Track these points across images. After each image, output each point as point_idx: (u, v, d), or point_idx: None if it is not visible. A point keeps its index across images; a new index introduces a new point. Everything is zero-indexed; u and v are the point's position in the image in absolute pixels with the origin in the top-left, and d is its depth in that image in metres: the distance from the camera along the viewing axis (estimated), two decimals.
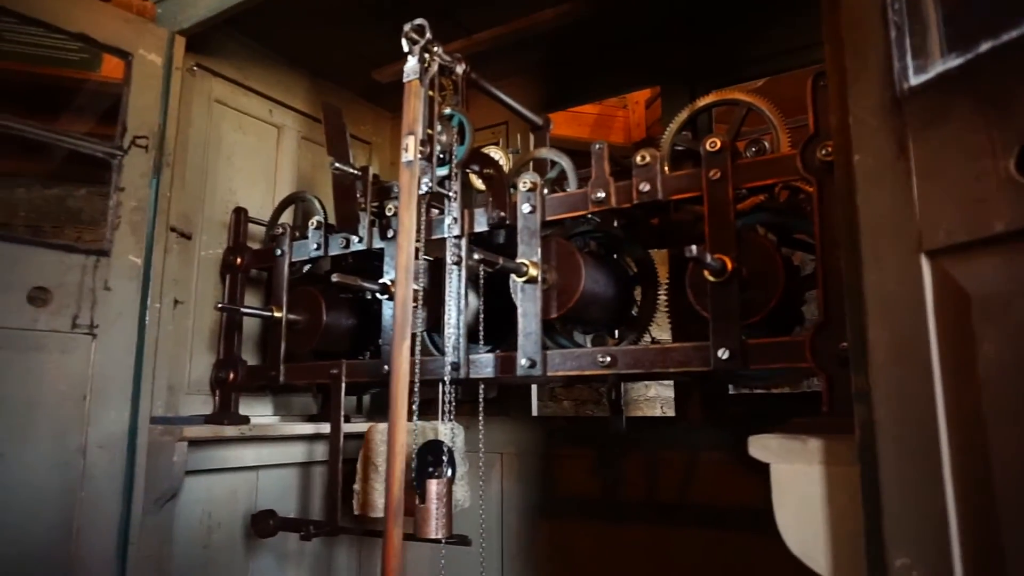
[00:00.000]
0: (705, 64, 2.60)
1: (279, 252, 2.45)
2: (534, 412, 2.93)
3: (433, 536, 1.89)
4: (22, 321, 1.98)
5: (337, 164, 2.16)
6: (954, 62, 0.89)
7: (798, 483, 1.21)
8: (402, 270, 1.68)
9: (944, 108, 0.90)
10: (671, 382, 5.37)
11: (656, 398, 5.55)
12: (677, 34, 2.67)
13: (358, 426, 2.38)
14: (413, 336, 1.74)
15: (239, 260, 2.55)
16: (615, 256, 2.19)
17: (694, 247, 1.45)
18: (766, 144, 1.95)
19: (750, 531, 2.21)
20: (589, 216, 1.99)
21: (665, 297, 2.06)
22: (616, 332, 2.21)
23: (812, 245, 1.89)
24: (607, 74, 2.91)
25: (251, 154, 2.86)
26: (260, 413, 2.73)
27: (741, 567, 2.25)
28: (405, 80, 1.84)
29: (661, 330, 2.66)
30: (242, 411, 2.52)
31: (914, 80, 0.96)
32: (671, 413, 2.99)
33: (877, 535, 1.01)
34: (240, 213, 2.62)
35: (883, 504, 1.00)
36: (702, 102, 1.95)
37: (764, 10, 2.48)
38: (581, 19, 2.57)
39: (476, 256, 1.71)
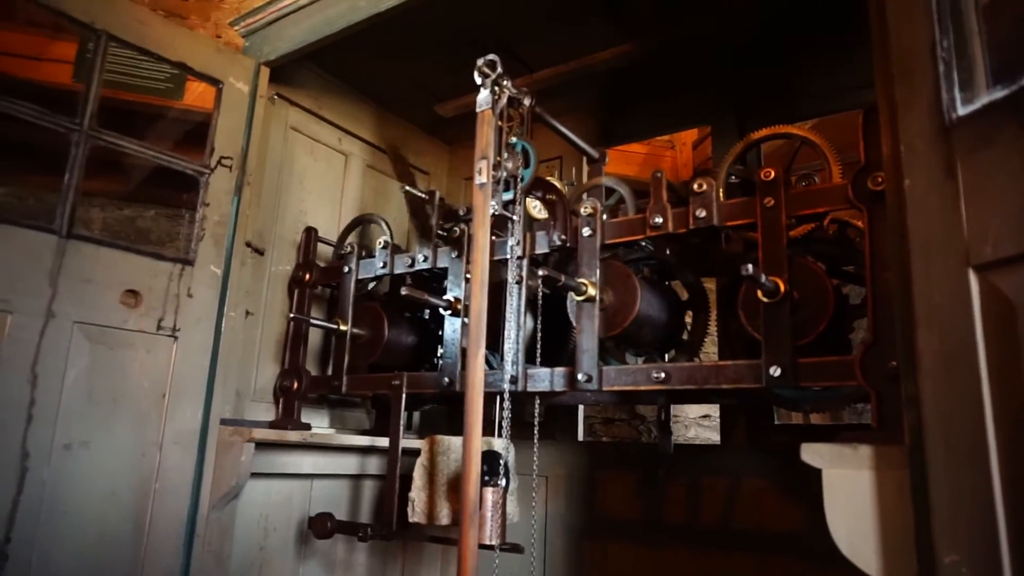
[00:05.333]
0: (754, 106, 2.70)
1: (347, 269, 2.59)
2: (579, 437, 2.99)
3: (488, 542, 1.96)
4: (115, 320, 2.15)
5: (407, 188, 2.31)
6: (999, 93, 0.99)
7: (849, 487, 1.27)
8: (476, 284, 1.80)
9: (990, 134, 0.99)
10: (712, 423, 5.39)
11: (695, 439, 5.55)
12: (728, 76, 2.79)
13: (410, 442, 2.47)
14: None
15: (308, 276, 2.71)
16: (667, 283, 2.28)
17: (749, 266, 1.54)
18: (816, 180, 2.05)
19: (791, 557, 2.24)
20: (644, 243, 2.10)
21: (715, 323, 2.14)
22: (667, 356, 2.29)
23: (858, 277, 1.96)
24: (659, 113, 3.03)
25: (320, 178, 3.05)
26: (317, 425, 2.85)
27: None
28: (478, 110, 1.99)
29: (710, 357, 2.72)
30: None
31: (962, 110, 1.05)
32: None
33: (927, 534, 1.06)
34: (311, 232, 2.79)
35: (932, 504, 1.06)
36: (757, 135, 2.05)
37: (813, 55, 2.59)
38: (636, 60, 2.71)
39: (541, 273, 1.82)
